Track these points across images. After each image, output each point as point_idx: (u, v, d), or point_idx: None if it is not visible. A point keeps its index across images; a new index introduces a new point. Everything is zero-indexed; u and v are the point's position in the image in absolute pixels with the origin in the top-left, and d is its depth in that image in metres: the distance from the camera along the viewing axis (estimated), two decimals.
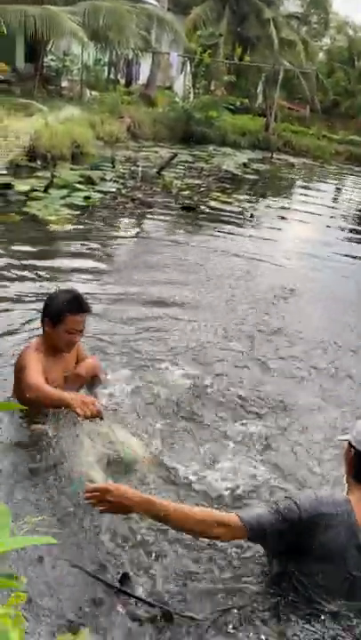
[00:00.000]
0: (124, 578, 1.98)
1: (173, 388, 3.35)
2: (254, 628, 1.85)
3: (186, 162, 13.45)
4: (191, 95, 19.80)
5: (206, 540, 2.12)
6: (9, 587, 1.05)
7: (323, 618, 1.80)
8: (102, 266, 5.58)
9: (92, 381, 2.98)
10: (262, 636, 1.83)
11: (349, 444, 1.98)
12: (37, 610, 1.83)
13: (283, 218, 9.25)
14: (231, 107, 20.31)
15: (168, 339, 4.08)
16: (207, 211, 8.71)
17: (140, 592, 1.95)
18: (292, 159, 17.89)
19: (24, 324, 3.94)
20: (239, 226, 8.04)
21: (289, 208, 10.37)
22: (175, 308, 4.72)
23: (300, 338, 4.43)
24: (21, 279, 4.86)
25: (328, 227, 9.41)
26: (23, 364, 2.67)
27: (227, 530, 1.82)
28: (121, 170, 10.92)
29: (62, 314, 2.67)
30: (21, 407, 2.53)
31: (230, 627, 1.86)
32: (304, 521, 1.76)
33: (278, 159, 17.34)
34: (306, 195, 12.12)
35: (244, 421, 3.15)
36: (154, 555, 2.13)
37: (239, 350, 4.07)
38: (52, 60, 17.23)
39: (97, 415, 2.37)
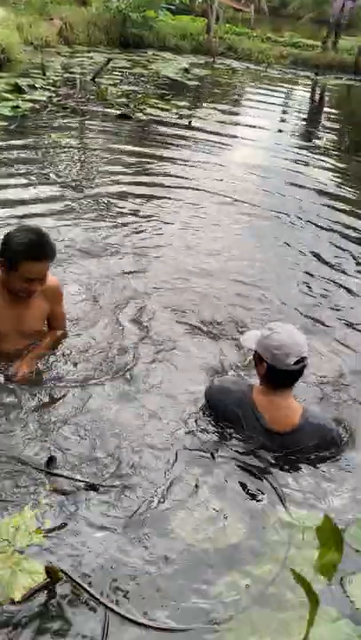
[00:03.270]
0: (51, 460, 2.16)
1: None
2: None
3: (123, 68, 12.71)
4: None
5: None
6: None
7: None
8: (37, 179, 5.30)
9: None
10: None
11: (258, 353, 2.27)
12: None
13: (220, 123, 9.01)
14: (171, 6, 19.03)
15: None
16: (144, 118, 8.39)
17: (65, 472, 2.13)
18: (235, 64, 17.15)
19: None
20: (177, 135, 7.78)
21: (228, 114, 10.06)
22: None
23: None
24: None
25: (280, 131, 9.29)
26: None
27: None
28: (53, 77, 10.25)
29: (17, 259, 2.32)
30: None
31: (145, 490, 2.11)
32: (212, 394, 2.43)
33: (221, 64, 16.60)
34: (248, 101, 11.79)
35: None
36: (74, 438, 2.31)
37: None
38: None
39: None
